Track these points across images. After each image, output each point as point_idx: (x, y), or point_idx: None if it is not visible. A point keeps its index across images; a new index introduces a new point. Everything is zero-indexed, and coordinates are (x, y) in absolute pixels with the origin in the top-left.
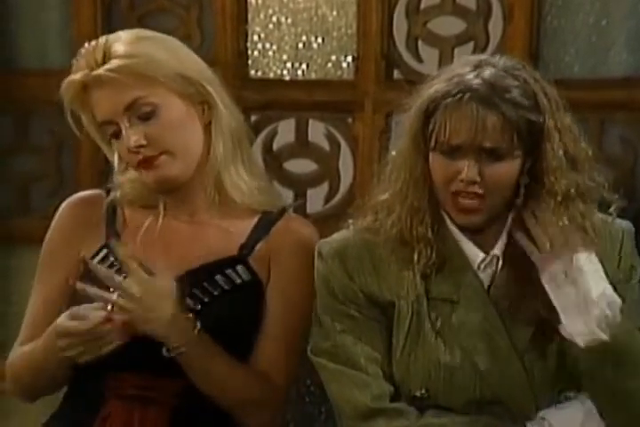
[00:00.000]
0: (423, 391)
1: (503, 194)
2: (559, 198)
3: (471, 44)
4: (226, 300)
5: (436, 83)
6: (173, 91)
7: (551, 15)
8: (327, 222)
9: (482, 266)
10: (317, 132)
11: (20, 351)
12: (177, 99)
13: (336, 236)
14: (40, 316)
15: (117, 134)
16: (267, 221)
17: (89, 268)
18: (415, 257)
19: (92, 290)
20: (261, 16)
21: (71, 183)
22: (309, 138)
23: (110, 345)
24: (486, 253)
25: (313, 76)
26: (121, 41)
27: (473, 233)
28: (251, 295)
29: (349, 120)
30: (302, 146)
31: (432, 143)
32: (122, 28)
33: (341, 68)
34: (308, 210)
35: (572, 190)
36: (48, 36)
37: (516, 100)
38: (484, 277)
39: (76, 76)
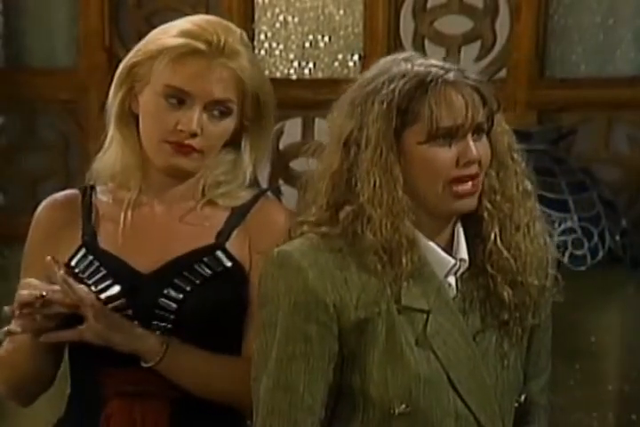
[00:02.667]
0: (404, 407)
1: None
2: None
3: (478, 43)
4: (208, 288)
5: (383, 81)
6: (242, 106)
7: (558, 14)
8: None
9: (451, 272)
10: (324, 130)
11: (2, 351)
12: (237, 112)
13: (298, 244)
14: None
15: (175, 103)
16: (241, 209)
17: (69, 270)
18: (395, 265)
19: (67, 280)
20: (268, 15)
21: (78, 180)
22: (316, 137)
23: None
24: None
25: (319, 74)
26: (242, 38)
27: (431, 238)
28: (233, 281)
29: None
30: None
31: (423, 136)
32: (129, 27)
33: (348, 66)
34: None
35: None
36: (55, 35)
37: (476, 78)
38: (449, 283)
39: (198, 47)
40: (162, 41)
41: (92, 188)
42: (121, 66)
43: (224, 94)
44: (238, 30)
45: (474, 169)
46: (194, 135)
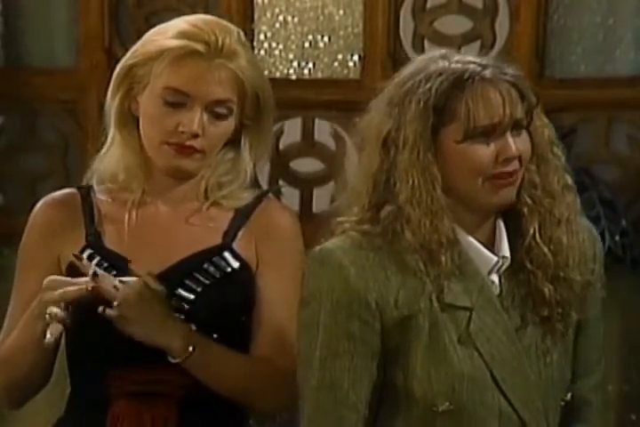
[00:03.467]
0: (447, 404)
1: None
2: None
3: (478, 43)
4: (218, 288)
5: (420, 80)
6: (242, 106)
7: (558, 14)
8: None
9: (494, 269)
10: (324, 131)
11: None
12: (237, 112)
13: (339, 242)
14: (20, 319)
15: (175, 104)
16: (245, 210)
17: (73, 269)
18: (436, 264)
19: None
20: (268, 15)
21: (78, 181)
22: (315, 137)
23: (59, 315)
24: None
25: (319, 75)
26: (240, 38)
27: (472, 235)
28: (242, 282)
29: (356, 119)
30: (308, 145)
31: (460, 135)
32: (129, 27)
33: (348, 67)
34: (315, 209)
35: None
36: (55, 35)
37: (513, 73)
38: (492, 281)
39: (197, 48)
40: (160, 42)
41: (91, 187)
42: (119, 67)
43: (224, 95)
44: (236, 29)
45: (513, 166)
46: (195, 136)
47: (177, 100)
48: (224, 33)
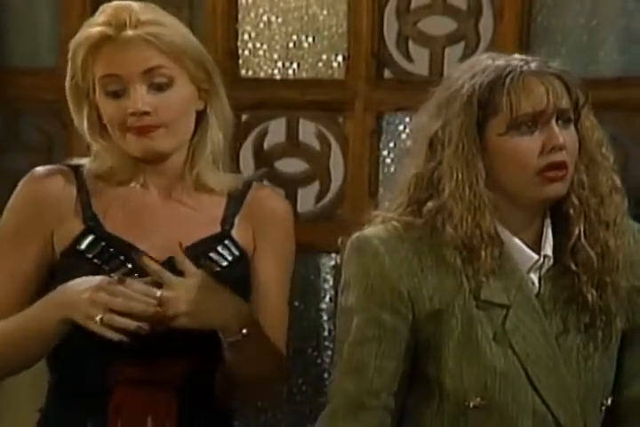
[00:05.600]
0: (479, 400)
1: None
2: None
3: (462, 44)
4: (224, 276)
5: (466, 79)
6: (187, 70)
7: (542, 15)
8: (318, 221)
9: (533, 268)
10: (308, 131)
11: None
12: (188, 78)
13: (378, 230)
14: (8, 293)
15: (117, 93)
16: (236, 197)
17: (69, 254)
18: (475, 259)
19: (138, 285)
20: (252, 15)
21: None
22: (300, 137)
23: (132, 327)
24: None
25: (304, 75)
26: (147, 9)
27: (517, 234)
28: (242, 270)
29: (340, 119)
30: (293, 145)
31: (503, 127)
32: None
33: (332, 67)
34: (299, 209)
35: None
36: (38, 34)
37: (559, 68)
38: (532, 279)
39: (104, 31)
40: (72, 44)
41: (82, 167)
42: (66, 89)
43: (151, 62)
44: (140, 3)
45: (561, 156)
46: (146, 113)
47: (115, 88)
48: (122, 8)
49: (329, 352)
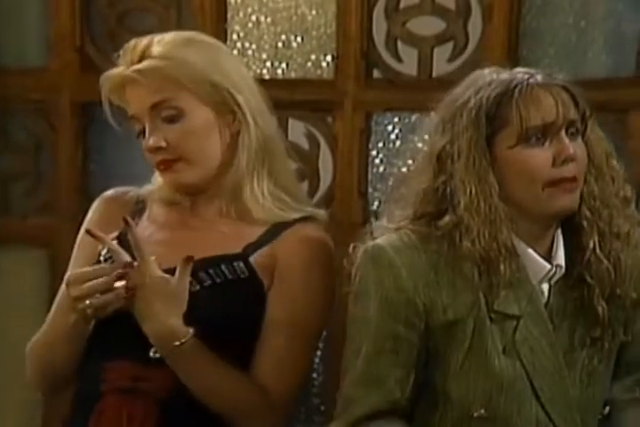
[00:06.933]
0: (483, 411)
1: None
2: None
3: (450, 44)
4: (226, 288)
5: (471, 93)
6: (200, 97)
7: (530, 15)
8: None
9: (546, 278)
10: (297, 131)
11: (34, 338)
12: (203, 106)
13: (393, 240)
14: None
15: (143, 131)
16: (278, 228)
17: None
18: (493, 273)
19: (116, 247)
20: (240, 15)
21: (49, 183)
22: (289, 137)
23: (116, 303)
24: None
25: (292, 75)
26: (163, 42)
27: (530, 245)
28: (250, 292)
29: (329, 119)
30: None
31: (513, 139)
32: (100, 27)
33: (321, 67)
34: None
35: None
36: (26, 34)
37: (564, 79)
38: (542, 289)
39: (114, 72)
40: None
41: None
42: None
43: (153, 98)
44: (157, 37)
45: (572, 170)
46: (160, 148)
47: (139, 127)
48: (134, 46)
49: (318, 352)
